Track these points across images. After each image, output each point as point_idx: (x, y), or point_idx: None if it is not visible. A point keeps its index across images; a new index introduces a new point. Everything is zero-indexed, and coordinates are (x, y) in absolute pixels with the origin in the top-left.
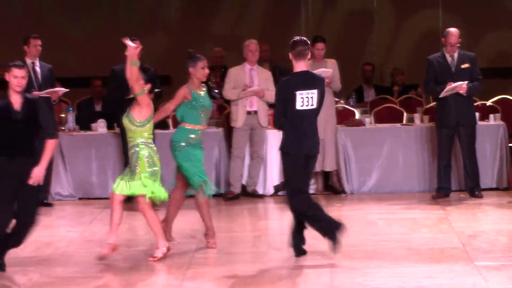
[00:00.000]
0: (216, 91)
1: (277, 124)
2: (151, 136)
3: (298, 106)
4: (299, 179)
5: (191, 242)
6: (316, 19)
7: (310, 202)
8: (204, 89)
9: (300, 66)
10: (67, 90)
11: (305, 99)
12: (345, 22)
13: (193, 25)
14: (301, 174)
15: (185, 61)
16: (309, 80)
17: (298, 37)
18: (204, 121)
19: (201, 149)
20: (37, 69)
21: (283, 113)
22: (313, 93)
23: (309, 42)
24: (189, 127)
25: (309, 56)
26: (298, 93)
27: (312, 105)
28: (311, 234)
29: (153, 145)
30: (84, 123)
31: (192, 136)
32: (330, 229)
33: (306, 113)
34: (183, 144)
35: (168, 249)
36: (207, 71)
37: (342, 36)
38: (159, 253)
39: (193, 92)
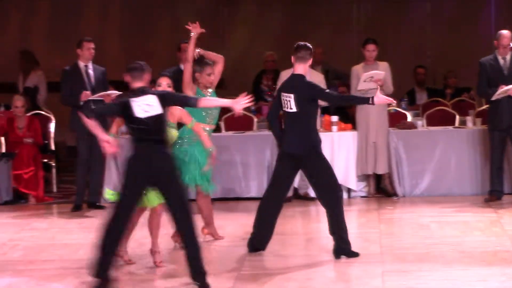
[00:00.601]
0: (268, 93)
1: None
2: None
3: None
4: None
5: (242, 245)
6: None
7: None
8: (210, 90)
9: (297, 69)
10: (120, 93)
11: (284, 102)
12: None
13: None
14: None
15: None
16: (290, 84)
17: (303, 43)
18: (209, 121)
19: (199, 145)
20: (90, 72)
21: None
22: (290, 97)
23: (311, 48)
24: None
25: (310, 62)
26: (282, 94)
27: (290, 108)
28: (364, 237)
29: None
30: None
31: (194, 137)
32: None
33: (287, 115)
34: (181, 141)
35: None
36: (212, 77)
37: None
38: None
39: (198, 90)
